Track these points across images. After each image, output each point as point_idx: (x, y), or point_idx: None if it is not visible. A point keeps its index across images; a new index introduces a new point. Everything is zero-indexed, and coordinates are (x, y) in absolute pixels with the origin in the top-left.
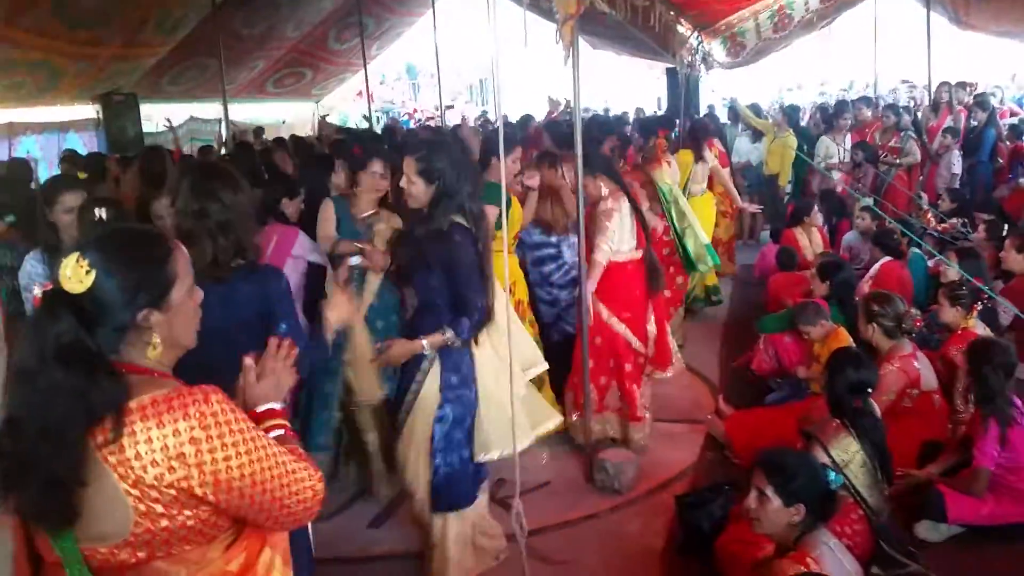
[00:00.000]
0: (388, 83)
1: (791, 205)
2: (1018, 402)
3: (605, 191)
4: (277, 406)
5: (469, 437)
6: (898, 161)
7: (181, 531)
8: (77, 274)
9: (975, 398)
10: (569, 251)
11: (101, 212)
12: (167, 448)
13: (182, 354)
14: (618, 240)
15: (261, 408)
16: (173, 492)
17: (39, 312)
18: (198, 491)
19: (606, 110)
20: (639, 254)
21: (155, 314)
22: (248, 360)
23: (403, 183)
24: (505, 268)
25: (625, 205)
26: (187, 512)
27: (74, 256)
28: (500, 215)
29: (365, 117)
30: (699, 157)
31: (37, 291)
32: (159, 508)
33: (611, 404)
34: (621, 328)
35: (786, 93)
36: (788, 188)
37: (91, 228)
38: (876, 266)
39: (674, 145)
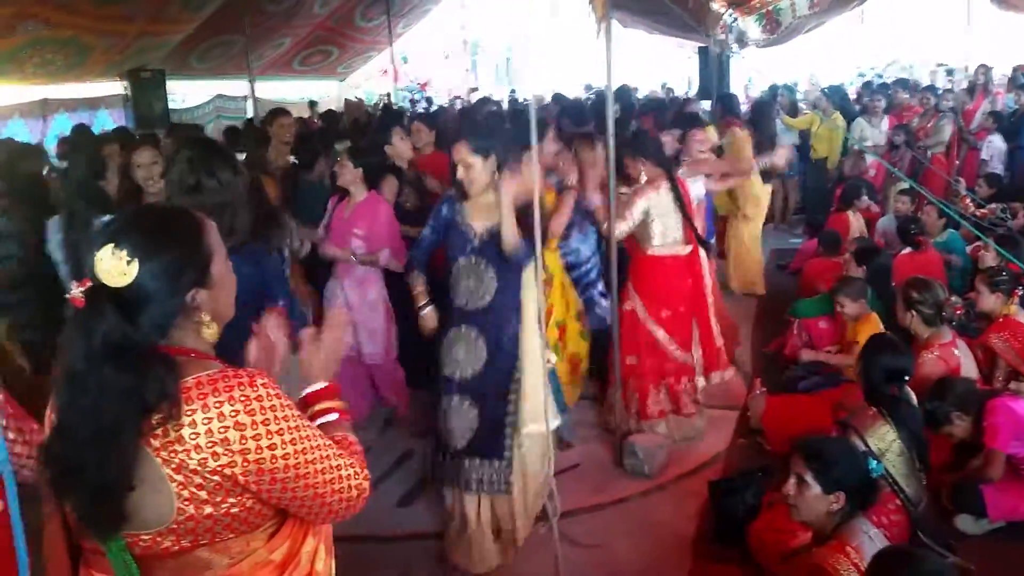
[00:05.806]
0: (412, 62)
1: (839, 188)
2: None
3: (644, 176)
4: (325, 385)
5: None
6: (929, 142)
7: (225, 519)
8: (118, 267)
9: None
10: (584, 246)
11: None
12: (211, 432)
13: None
14: (661, 232)
15: (311, 389)
16: (217, 479)
17: (83, 312)
18: (241, 479)
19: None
20: (687, 250)
21: (201, 292)
22: (308, 331)
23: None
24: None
25: (664, 195)
26: (231, 500)
27: (108, 248)
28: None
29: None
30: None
31: (76, 291)
32: (203, 495)
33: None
34: (659, 333)
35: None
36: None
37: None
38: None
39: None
